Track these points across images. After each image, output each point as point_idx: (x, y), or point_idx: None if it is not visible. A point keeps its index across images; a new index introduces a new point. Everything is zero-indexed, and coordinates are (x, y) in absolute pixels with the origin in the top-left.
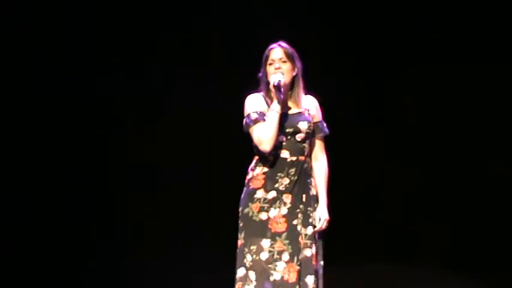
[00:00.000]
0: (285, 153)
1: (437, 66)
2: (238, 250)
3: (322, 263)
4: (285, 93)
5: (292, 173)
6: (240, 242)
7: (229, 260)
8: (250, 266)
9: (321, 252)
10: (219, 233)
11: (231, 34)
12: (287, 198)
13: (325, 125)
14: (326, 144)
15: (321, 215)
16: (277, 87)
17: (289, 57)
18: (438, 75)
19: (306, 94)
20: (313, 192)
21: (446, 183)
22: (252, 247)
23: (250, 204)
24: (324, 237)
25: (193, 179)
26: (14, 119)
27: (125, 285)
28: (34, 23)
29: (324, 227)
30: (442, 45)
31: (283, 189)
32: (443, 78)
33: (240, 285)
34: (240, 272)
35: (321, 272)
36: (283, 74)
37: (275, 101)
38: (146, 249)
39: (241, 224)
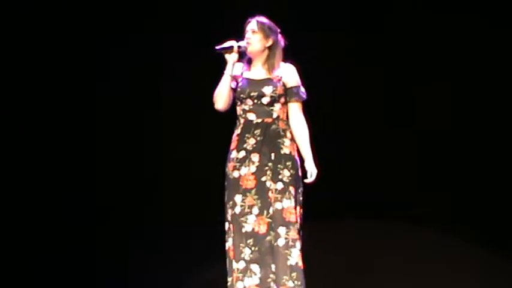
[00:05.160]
0: (251, 116)
1: None
2: (225, 206)
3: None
4: (246, 59)
5: (257, 134)
6: (225, 198)
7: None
8: (230, 220)
9: (298, 206)
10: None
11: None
12: (255, 157)
13: (302, 90)
14: (304, 108)
15: (311, 170)
16: (229, 49)
17: (261, 29)
18: None
19: (285, 62)
20: (285, 151)
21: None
22: (230, 202)
23: (228, 164)
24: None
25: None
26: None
27: (125, 285)
28: None
29: (313, 180)
30: None
31: (251, 148)
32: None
33: (227, 237)
34: (226, 226)
35: (297, 225)
36: (248, 43)
37: (228, 65)
38: (146, 248)
39: (225, 183)
